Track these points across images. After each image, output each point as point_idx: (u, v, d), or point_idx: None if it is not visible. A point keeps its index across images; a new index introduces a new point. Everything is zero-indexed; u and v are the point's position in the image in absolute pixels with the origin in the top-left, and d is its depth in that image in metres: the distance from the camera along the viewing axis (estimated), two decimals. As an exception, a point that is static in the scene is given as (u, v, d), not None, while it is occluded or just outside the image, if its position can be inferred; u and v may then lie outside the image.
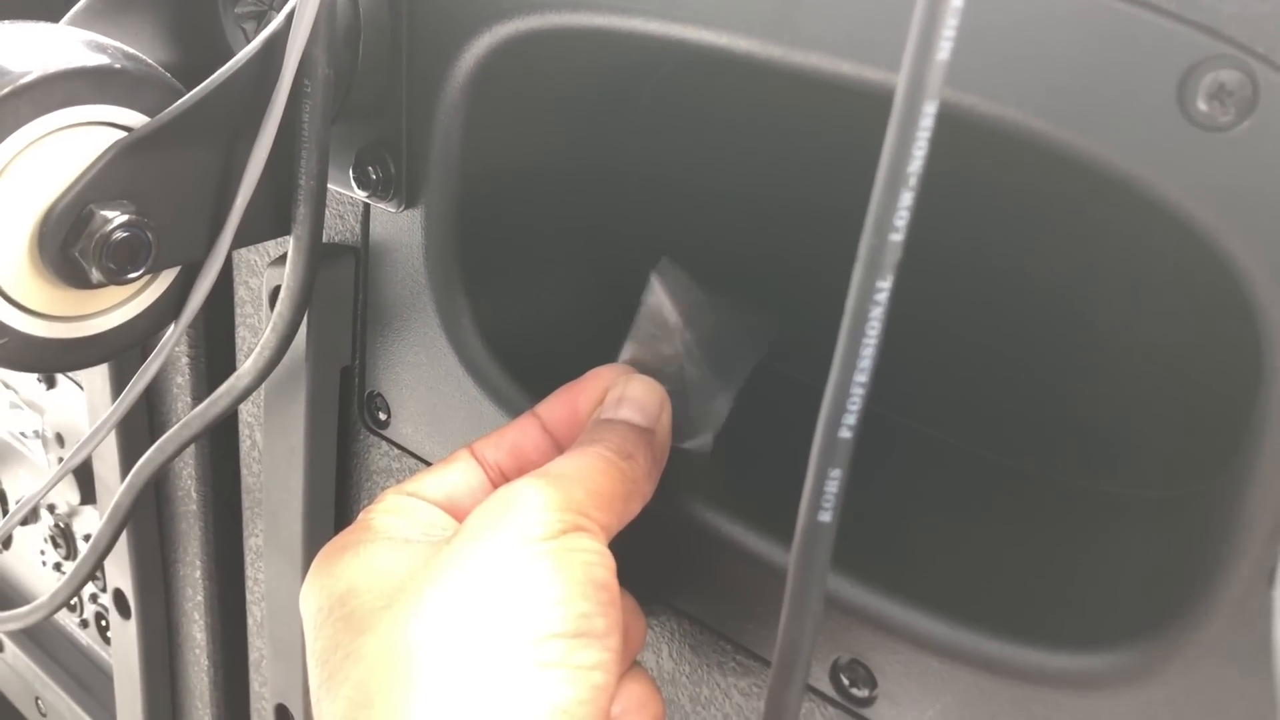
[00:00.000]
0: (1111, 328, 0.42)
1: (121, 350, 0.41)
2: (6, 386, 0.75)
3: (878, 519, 0.39)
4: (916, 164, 0.24)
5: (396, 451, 0.49)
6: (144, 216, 0.37)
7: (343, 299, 0.47)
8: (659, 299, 0.41)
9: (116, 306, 0.40)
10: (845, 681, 0.37)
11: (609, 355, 0.42)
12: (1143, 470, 0.40)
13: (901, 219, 0.25)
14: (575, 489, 0.34)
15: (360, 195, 0.44)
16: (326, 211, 0.47)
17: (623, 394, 0.39)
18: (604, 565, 0.33)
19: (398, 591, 0.33)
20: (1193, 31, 0.26)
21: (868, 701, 0.36)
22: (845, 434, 0.26)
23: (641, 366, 0.41)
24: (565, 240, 0.47)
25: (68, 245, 0.36)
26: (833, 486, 0.27)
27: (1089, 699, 0.32)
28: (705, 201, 0.48)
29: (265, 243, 0.49)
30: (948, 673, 0.34)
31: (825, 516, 0.27)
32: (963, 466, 0.43)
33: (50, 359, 0.39)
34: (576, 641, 0.31)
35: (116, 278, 0.37)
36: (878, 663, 0.36)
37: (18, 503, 0.79)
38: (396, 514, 0.37)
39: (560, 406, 0.40)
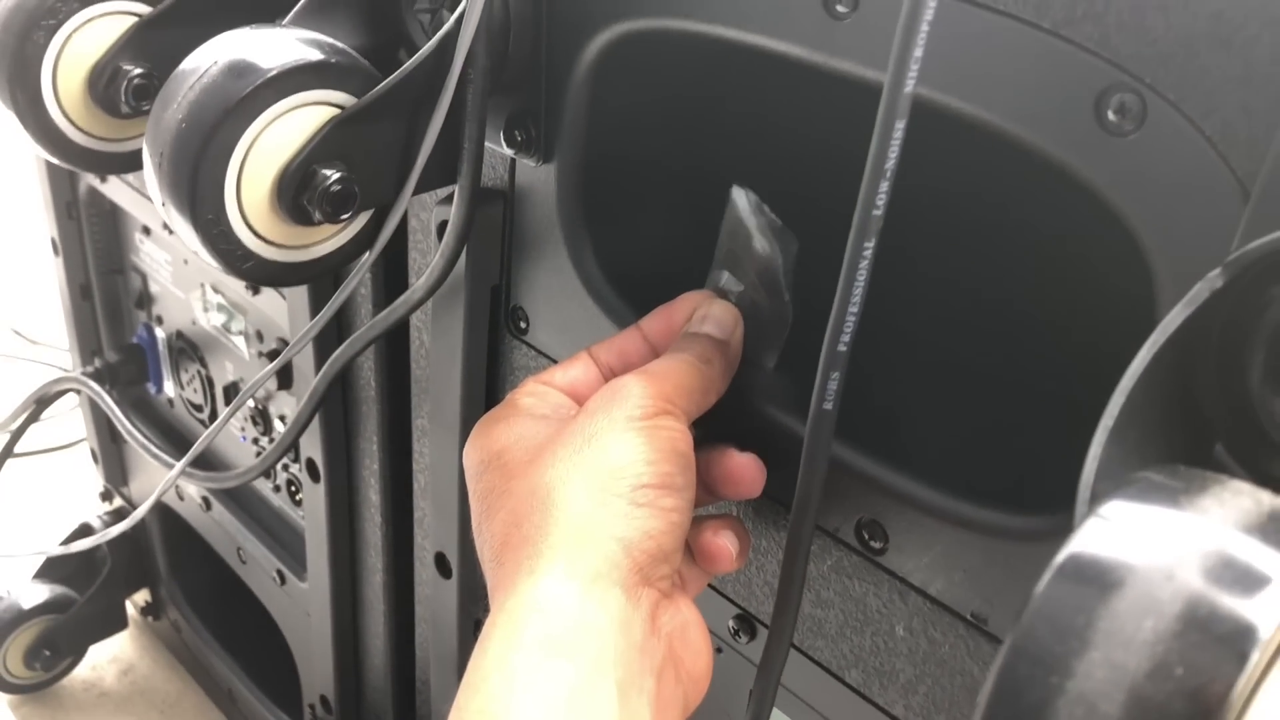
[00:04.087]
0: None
1: (333, 269, 0.54)
2: (215, 290, 0.90)
3: (895, 414, 0.50)
4: (892, 162, 0.35)
5: (534, 353, 0.61)
6: (352, 173, 0.50)
7: (493, 232, 0.59)
8: (738, 213, 0.50)
9: (330, 238, 0.53)
10: (866, 536, 0.48)
11: (700, 280, 0.53)
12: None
13: (881, 200, 0.36)
14: (665, 383, 0.45)
15: (508, 152, 0.56)
16: (483, 165, 0.59)
17: (706, 313, 0.50)
18: (684, 439, 0.44)
19: (538, 451, 0.45)
20: (1105, 64, 0.36)
21: (882, 552, 0.48)
22: (842, 348, 0.38)
23: (724, 291, 0.52)
24: (668, 188, 0.59)
25: (298, 195, 0.49)
26: (833, 385, 0.38)
27: (1039, 548, 0.43)
28: (770, 162, 0.59)
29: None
30: (939, 529, 0.46)
31: (828, 405, 0.39)
32: (965, 375, 0.54)
33: (282, 275, 0.52)
34: (661, 490, 0.43)
35: (332, 219, 0.50)
36: (890, 521, 0.47)
37: (226, 388, 0.95)
38: (535, 396, 0.49)
39: (658, 321, 0.51)
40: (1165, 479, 0.28)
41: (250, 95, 0.47)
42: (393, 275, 0.69)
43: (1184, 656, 0.24)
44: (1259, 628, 0.24)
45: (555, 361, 0.60)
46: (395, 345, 0.72)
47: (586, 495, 0.42)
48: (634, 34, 0.50)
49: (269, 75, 0.47)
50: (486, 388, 0.64)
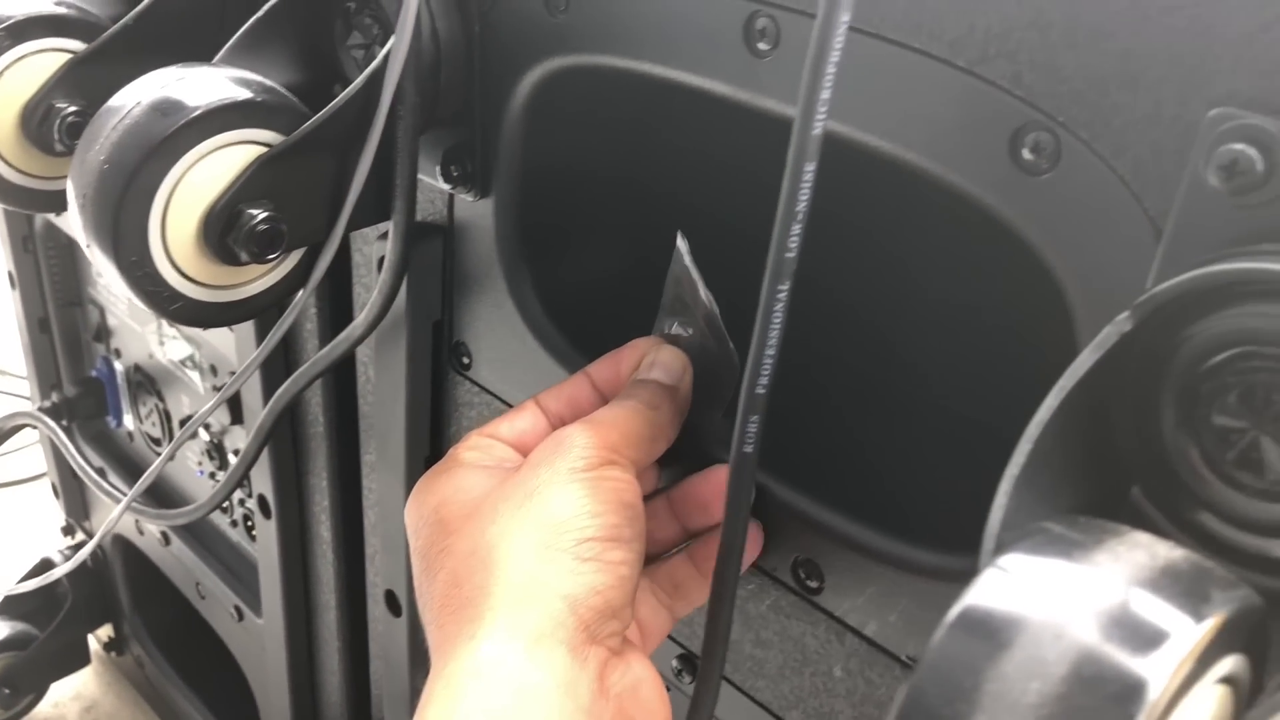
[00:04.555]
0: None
1: (264, 309, 0.53)
2: (171, 323, 0.89)
3: (833, 453, 0.49)
4: (803, 204, 0.35)
5: (477, 389, 0.61)
6: (280, 212, 0.49)
7: (434, 267, 0.59)
8: (683, 261, 0.49)
9: (260, 278, 0.52)
10: (802, 575, 0.47)
11: (642, 315, 0.52)
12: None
13: (794, 242, 0.35)
14: (610, 432, 0.44)
15: (445, 187, 0.56)
16: (422, 198, 0.58)
17: (654, 359, 0.48)
18: (631, 489, 0.43)
19: (477, 506, 0.43)
20: (1019, 103, 0.35)
21: (818, 591, 0.47)
22: (760, 391, 0.37)
23: (673, 337, 0.51)
24: (609, 223, 0.58)
25: (224, 235, 0.48)
26: (753, 428, 0.38)
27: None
28: (709, 197, 0.58)
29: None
30: (874, 569, 0.45)
31: (749, 449, 0.38)
32: (903, 414, 0.53)
33: (211, 317, 0.51)
34: (607, 544, 0.41)
35: (259, 259, 0.49)
36: (825, 561, 0.47)
37: (182, 421, 0.94)
38: (478, 450, 0.47)
39: (606, 368, 0.50)
40: (1064, 530, 0.27)
41: (173, 135, 0.46)
42: (339, 310, 0.68)
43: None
44: (1146, 686, 0.23)
45: (499, 399, 0.60)
46: (343, 381, 0.71)
47: (529, 552, 0.40)
48: (566, 70, 0.49)
49: (193, 115, 0.46)
50: (432, 424, 0.64)
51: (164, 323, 0.90)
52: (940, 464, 0.50)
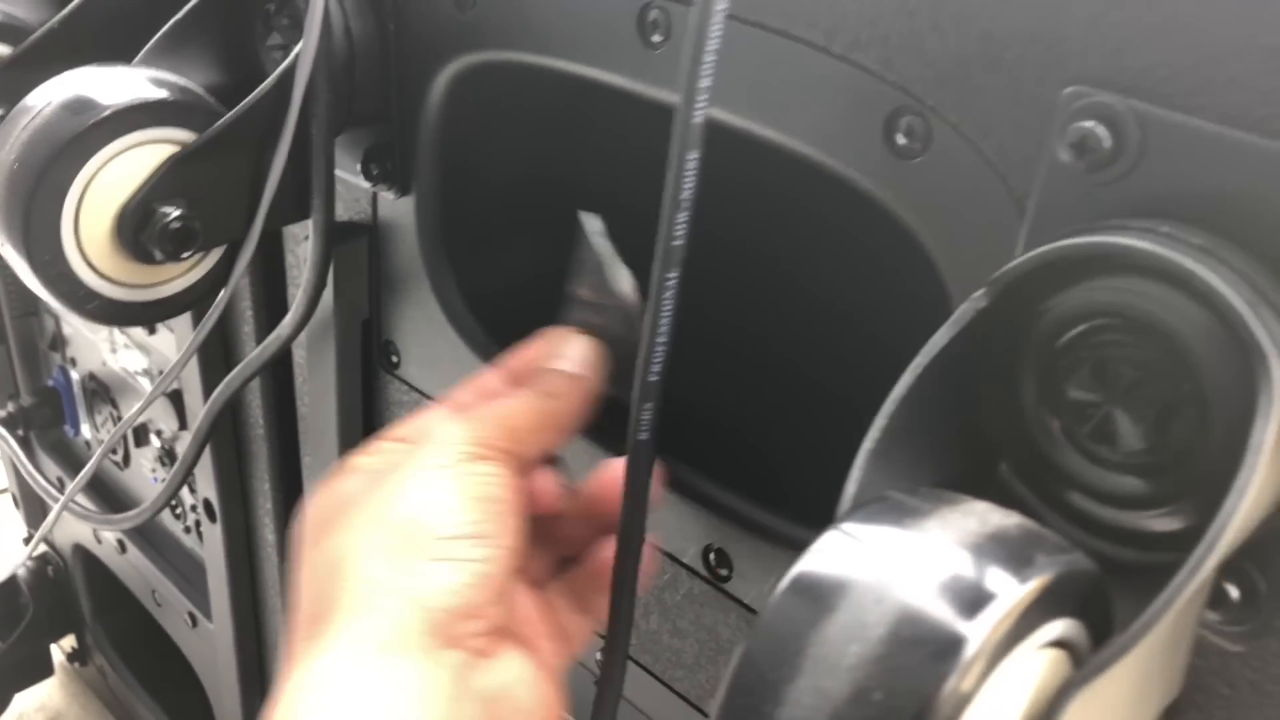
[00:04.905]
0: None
1: (186, 309, 0.54)
2: (121, 331, 0.90)
3: (739, 444, 0.50)
4: (687, 192, 0.35)
5: (406, 388, 0.61)
6: (193, 211, 0.49)
7: (359, 266, 0.59)
8: (588, 240, 0.46)
9: (179, 276, 0.52)
10: (713, 563, 0.48)
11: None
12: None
13: (680, 230, 0.36)
14: (483, 425, 0.41)
15: (366, 185, 0.56)
16: (347, 197, 0.59)
17: (562, 348, 0.45)
18: (499, 483, 0.40)
19: (339, 511, 0.40)
20: (891, 88, 0.36)
21: (728, 579, 0.48)
22: (653, 379, 0.38)
23: (587, 325, 0.50)
24: (531, 218, 0.59)
25: (137, 233, 0.49)
26: (647, 415, 0.38)
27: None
28: (627, 187, 0.59)
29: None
30: (779, 555, 0.45)
31: (644, 435, 0.39)
32: (810, 399, 0.53)
33: (130, 315, 0.52)
34: (467, 541, 0.38)
35: (174, 257, 0.49)
36: (733, 549, 0.47)
37: (137, 430, 0.94)
38: (376, 454, 0.43)
39: (518, 358, 0.46)
40: (903, 498, 0.28)
41: (84, 134, 0.47)
42: (275, 310, 0.69)
43: (883, 680, 0.23)
44: (962, 645, 0.24)
45: (427, 397, 0.60)
46: (281, 383, 0.71)
47: (379, 555, 0.38)
48: (478, 66, 0.50)
49: (104, 114, 0.47)
50: (366, 424, 0.64)
51: (115, 331, 0.90)
52: (838, 448, 0.50)
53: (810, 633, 0.24)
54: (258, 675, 0.85)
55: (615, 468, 0.47)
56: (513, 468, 0.41)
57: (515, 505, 0.40)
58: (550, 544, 0.45)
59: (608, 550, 0.45)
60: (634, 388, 0.39)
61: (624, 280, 0.46)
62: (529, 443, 0.43)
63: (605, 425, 0.46)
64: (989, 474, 0.34)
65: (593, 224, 0.48)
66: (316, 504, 0.42)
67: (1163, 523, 0.31)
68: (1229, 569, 0.32)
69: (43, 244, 0.47)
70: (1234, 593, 0.32)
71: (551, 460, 0.45)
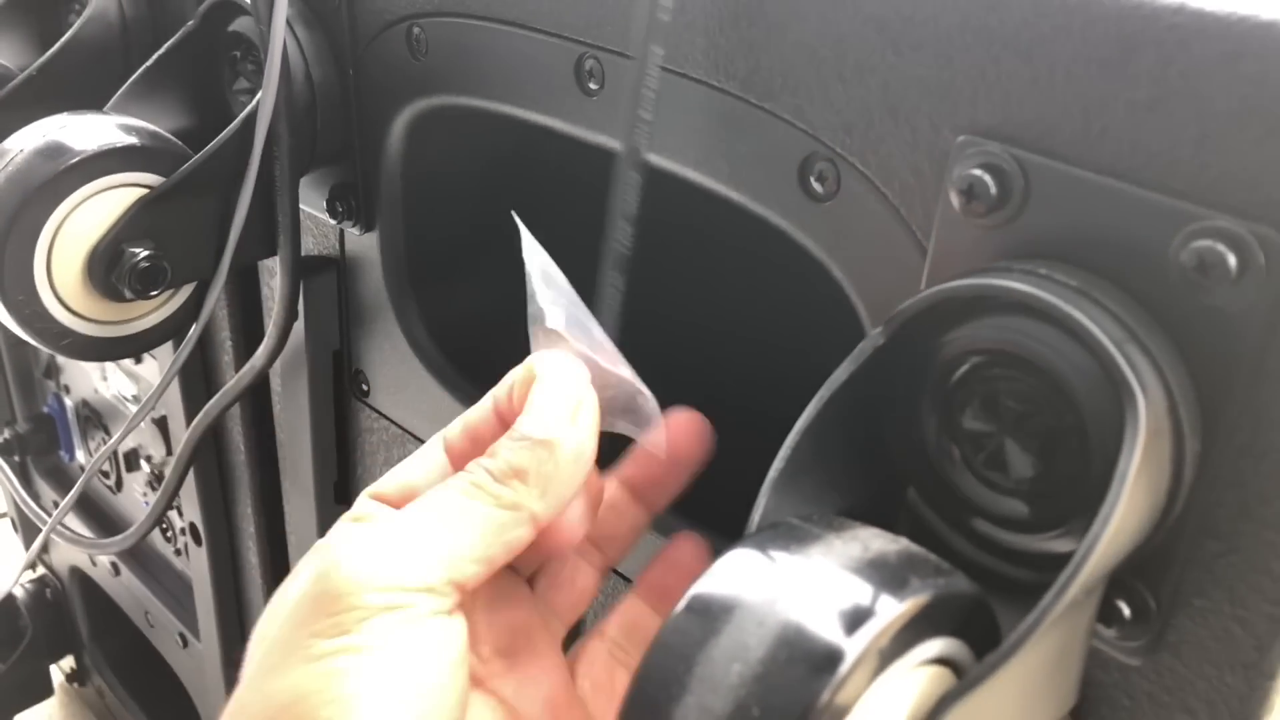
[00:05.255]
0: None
1: (156, 344, 0.56)
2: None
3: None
4: (630, 206, 0.38)
5: (376, 415, 0.63)
6: (161, 251, 0.52)
7: (328, 299, 0.61)
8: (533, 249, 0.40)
9: (150, 313, 0.55)
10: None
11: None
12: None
13: (622, 239, 0.38)
14: (399, 558, 0.31)
15: (332, 222, 0.58)
16: (316, 233, 0.61)
17: (530, 399, 0.35)
18: (439, 651, 0.31)
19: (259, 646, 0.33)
20: (802, 134, 0.38)
21: (676, 599, 0.49)
22: None
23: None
24: (492, 251, 0.61)
25: (108, 273, 0.51)
26: None
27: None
28: (581, 223, 0.61)
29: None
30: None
31: None
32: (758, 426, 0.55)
33: (102, 351, 0.54)
34: None
35: (143, 295, 0.52)
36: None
37: (127, 455, 0.96)
38: (351, 518, 0.36)
39: (505, 388, 0.38)
40: (798, 524, 0.30)
41: (56, 179, 0.49)
42: (252, 341, 0.71)
43: (761, 698, 0.25)
44: (836, 662, 0.25)
45: (395, 424, 0.62)
46: (261, 409, 0.73)
47: None
48: (432, 110, 0.52)
49: (75, 159, 0.49)
50: (339, 449, 0.66)
51: (105, 358, 0.92)
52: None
53: (697, 654, 0.26)
54: (245, 694, 0.87)
55: (671, 419, 0.39)
56: (452, 605, 0.32)
57: (462, 674, 0.32)
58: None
59: (648, 581, 0.39)
60: None
61: (550, 315, 0.40)
62: (474, 557, 0.33)
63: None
64: (897, 499, 0.36)
65: (533, 251, 0.46)
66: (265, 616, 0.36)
67: (1055, 544, 0.33)
68: (1120, 587, 0.34)
69: (17, 284, 0.50)
70: (1126, 610, 0.34)
71: None
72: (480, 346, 0.59)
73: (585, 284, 0.48)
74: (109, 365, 0.93)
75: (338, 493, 0.67)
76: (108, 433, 0.98)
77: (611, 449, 0.39)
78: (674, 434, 0.39)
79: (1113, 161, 0.31)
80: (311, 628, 0.30)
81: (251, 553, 0.79)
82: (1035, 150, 0.32)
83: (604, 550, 0.40)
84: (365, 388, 0.63)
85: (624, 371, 0.37)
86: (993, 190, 0.33)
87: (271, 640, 0.31)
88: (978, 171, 0.33)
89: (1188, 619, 0.33)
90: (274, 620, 0.33)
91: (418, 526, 0.33)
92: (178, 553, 0.95)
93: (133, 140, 0.51)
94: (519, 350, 0.54)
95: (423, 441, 0.58)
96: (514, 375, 0.37)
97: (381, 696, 0.29)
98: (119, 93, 0.55)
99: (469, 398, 0.57)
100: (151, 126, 0.53)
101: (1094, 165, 0.31)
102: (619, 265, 0.39)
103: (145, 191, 0.51)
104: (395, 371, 0.60)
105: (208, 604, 0.83)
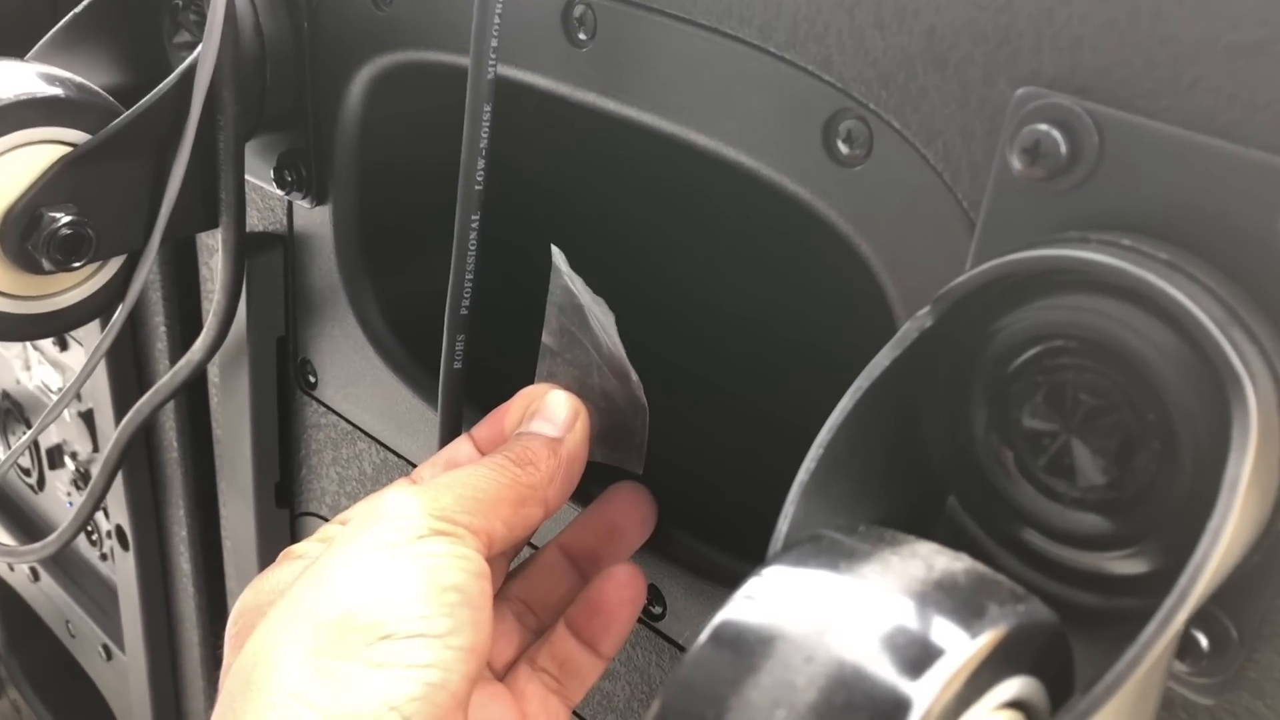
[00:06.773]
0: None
1: (82, 322, 0.50)
2: (34, 347, 0.85)
3: (674, 475, 0.47)
4: (484, 142, 0.38)
5: (324, 410, 0.58)
6: (86, 217, 0.46)
7: (274, 280, 0.56)
8: (564, 283, 0.41)
9: (73, 288, 0.49)
10: (646, 601, 0.45)
11: (499, 327, 0.49)
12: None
13: (480, 176, 0.39)
14: (443, 496, 0.35)
15: (279, 194, 0.53)
16: (262, 205, 0.55)
17: (537, 408, 0.40)
18: (462, 566, 0.33)
19: (265, 608, 0.34)
20: (830, 89, 0.33)
21: (660, 617, 0.44)
22: (463, 312, 0.42)
23: (564, 378, 0.42)
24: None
25: (23, 240, 0.45)
26: (459, 346, 0.42)
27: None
28: (556, 202, 0.56)
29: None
30: (714, 592, 0.42)
31: (457, 365, 0.42)
32: (749, 431, 0.51)
33: (19, 330, 0.48)
34: (411, 642, 0.31)
35: (64, 266, 0.46)
36: (666, 586, 0.44)
37: (50, 451, 0.89)
38: (317, 540, 0.38)
39: (489, 426, 0.41)
40: (840, 538, 0.25)
41: (-37, 132, 0.43)
42: (189, 327, 0.65)
43: (813, 753, 0.20)
44: (905, 712, 0.21)
45: (344, 419, 0.56)
46: (196, 403, 0.67)
47: (301, 662, 0.31)
48: (398, 67, 0.47)
49: (-15, 111, 0.43)
50: (281, 449, 0.60)
51: (28, 347, 0.86)
52: (778, 477, 0.48)
53: (730, 695, 0.21)
54: (174, 712, 0.81)
55: (611, 497, 0.42)
56: (482, 547, 0.35)
57: (482, 595, 0.33)
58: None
59: (612, 579, 0.40)
60: (445, 321, 0.41)
61: (595, 325, 0.41)
62: (507, 516, 0.36)
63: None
64: (936, 509, 0.31)
65: (562, 262, 0.43)
66: (243, 601, 0.36)
67: (1126, 565, 0.29)
68: (1198, 616, 0.29)
69: (-85, 251, 0.43)
70: (1204, 642, 0.29)
71: None
72: (439, 336, 0.53)
73: (574, 262, 0.43)
74: (32, 354, 0.86)
75: (279, 495, 0.61)
76: (30, 426, 0.91)
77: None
78: (616, 508, 0.42)
79: (1208, 116, 0.27)
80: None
81: (184, 559, 0.73)
82: (1111, 103, 0.28)
83: (537, 614, 0.42)
84: (312, 379, 0.57)
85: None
86: (1063, 149, 0.28)
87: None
88: (1043, 127, 0.28)
89: (1274, 652, 0.29)
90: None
91: (459, 481, 0.36)
92: (103, 557, 0.88)
93: (55, 91, 0.45)
94: (486, 339, 0.49)
95: (375, 439, 0.53)
96: (502, 408, 0.41)
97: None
98: (42, 40, 0.49)
99: (428, 393, 0.51)
100: (78, 78, 0.47)
101: (1183, 120, 0.27)
102: (475, 205, 0.40)
103: (68, 149, 0.45)
104: (346, 362, 0.55)
105: (134, 614, 0.77)
